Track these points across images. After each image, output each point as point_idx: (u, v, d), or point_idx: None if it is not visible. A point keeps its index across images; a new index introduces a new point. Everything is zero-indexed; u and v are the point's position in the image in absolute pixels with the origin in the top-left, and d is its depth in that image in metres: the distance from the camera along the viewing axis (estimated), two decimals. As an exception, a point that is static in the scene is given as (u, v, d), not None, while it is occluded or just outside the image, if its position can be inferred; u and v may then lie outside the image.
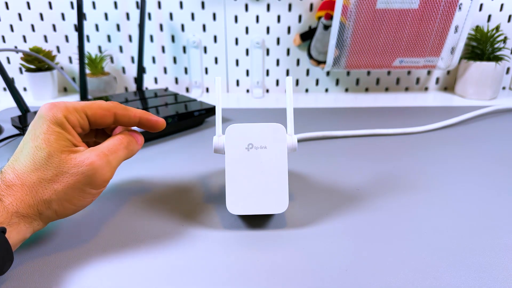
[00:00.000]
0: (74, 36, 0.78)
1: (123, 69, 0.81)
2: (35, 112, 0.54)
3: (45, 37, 0.78)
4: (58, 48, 0.79)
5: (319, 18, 0.73)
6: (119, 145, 0.31)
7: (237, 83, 0.82)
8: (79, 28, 0.61)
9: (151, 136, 0.53)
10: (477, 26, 0.75)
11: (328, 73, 0.81)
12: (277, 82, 0.82)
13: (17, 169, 0.27)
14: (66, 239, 0.31)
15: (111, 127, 0.35)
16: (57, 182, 0.27)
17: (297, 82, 0.82)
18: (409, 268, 0.27)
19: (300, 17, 0.76)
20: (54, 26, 0.77)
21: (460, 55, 0.72)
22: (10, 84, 0.52)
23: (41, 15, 0.76)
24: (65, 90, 0.82)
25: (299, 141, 0.52)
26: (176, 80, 0.82)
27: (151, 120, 0.34)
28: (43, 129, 0.28)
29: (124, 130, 0.33)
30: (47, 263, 0.28)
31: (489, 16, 0.77)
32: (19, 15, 0.76)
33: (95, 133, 0.35)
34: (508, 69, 0.82)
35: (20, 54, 0.75)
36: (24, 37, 0.78)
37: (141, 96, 0.64)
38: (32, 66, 0.74)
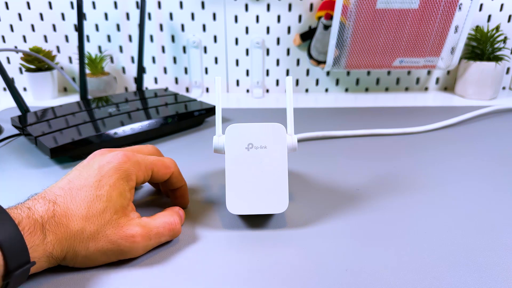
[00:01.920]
0: (74, 36, 0.78)
1: (123, 69, 0.81)
2: (35, 112, 0.54)
3: (45, 37, 0.78)
4: (58, 48, 0.79)
5: (319, 18, 0.73)
6: (167, 230, 0.30)
7: (237, 83, 0.82)
8: (79, 28, 0.61)
9: (151, 136, 0.53)
10: (477, 26, 0.75)
11: (328, 73, 0.81)
12: (277, 82, 0.82)
13: (70, 209, 0.26)
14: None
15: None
16: (94, 242, 0.26)
17: (297, 82, 0.82)
18: (409, 268, 0.27)
19: (300, 17, 0.76)
20: (54, 26, 0.77)
21: (460, 55, 0.72)
22: (10, 84, 0.52)
23: (41, 15, 0.76)
24: (65, 90, 0.82)
25: (299, 141, 0.52)
26: (176, 80, 0.82)
27: (185, 196, 0.35)
28: (111, 181, 0.28)
29: (178, 209, 0.32)
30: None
31: (489, 16, 0.77)
32: (19, 15, 0.76)
33: None
34: (508, 69, 0.82)
35: (20, 54, 0.75)
36: (24, 37, 0.78)
37: (141, 96, 0.64)
38: (32, 66, 0.74)
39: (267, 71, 0.81)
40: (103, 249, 0.27)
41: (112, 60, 0.80)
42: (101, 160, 0.29)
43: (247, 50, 0.79)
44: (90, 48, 0.78)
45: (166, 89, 0.72)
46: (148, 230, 0.28)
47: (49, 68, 0.75)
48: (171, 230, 0.30)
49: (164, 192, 0.38)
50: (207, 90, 0.83)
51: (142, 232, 0.28)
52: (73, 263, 0.27)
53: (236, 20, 0.76)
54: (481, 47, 0.74)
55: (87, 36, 0.78)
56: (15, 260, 0.22)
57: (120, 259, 0.28)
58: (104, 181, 0.28)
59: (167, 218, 0.30)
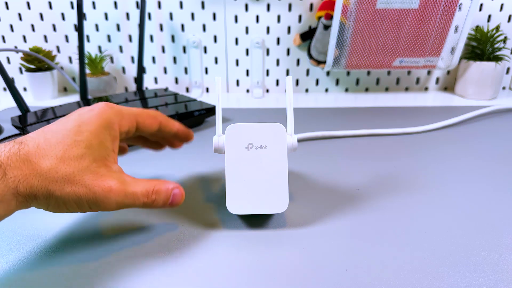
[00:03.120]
0: (74, 36, 0.78)
1: (123, 69, 0.81)
2: (35, 112, 0.54)
3: (45, 37, 0.78)
4: (58, 48, 0.79)
5: (319, 18, 0.73)
6: (144, 196, 0.28)
7: (237, 83, 0.82)
8: (79, 28, 0.61)
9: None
10: (477, 26, 0.75)
11: (328, 73, 0.81)
12: (277, 82, 0.82)
13: (42, 148, 0.26)
14: (61, 238, 0.31)
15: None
16: (70, 184, 0.26)
17: (297, 82, 0.82)
18: (409, 268, 0.27)
19: (300, 17, 0.76)
20: (54, 26, 0.77)
21: (460, 55, 0.72)
22: (10, 84, 0.52)
23: (41, 15, 0.76)
24: (65, 90, 0.82)
25: (299, 141, 0.52)
26: (176, 80, 0.82)
27: (185, 130, 0.36)
28: (91, 128, 0.27)
29: (162, 184, 0.30)
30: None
31: (489, 16, 0.77)
32: (19, 15, 0.76)
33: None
34: (508, 69, 0.82)
35: (20, 54, 0.75)
36: (24, 37, 0.78)
37: (141, 96, 0.64)
38: (32, 66, 0.74)
39: (267, 71, 0.81)
40: (78, 193, 0.26)
41: (112, 60, 0.80)
42: (82, 109, 0.29)
43: (247, 50, 0.79)
44: (90, 48, 0.78)
45: (166, 89, 0.72)
46: (125, 187, 0.27)
47: (49, 68, 0.75)
48: (150, 198, 0.28)
49: (165, 145, 0.38)
50: (207, 90, 0.83)
51: (119, 187, 0.27)
52: (46, 205, 0.26)
53: (236, 20, 0.76)
54: (481, 47, 0.74)
55: (87, 36, 0.78)
56: None
57: (92, 211, 0.27)
58: (84, 127, 0.27)
59: (150, 185, 0.29)
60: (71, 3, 0.75)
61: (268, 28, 0.77)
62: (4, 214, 0.24)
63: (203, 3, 0.75)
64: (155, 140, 0.37)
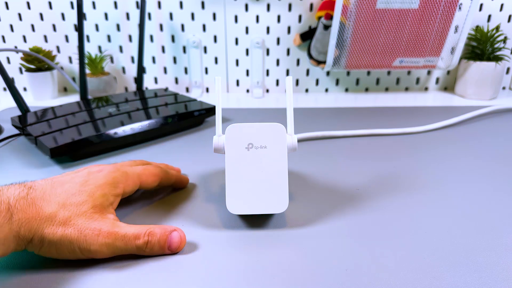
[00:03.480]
0: (74, 36, 0.78)
1: (123, 69, 0.81)
2: (35, 112, 0.54)
3: (45, 37, 0.78)
4: (58, 48, 0.79)
5: (319, 18, 0.73)
6: (135, 239, 0.28)
7: (237, 83, 0.82)
8: (79, 28, 0.61)
9: (151, 136, 0.53)
10: (477, 26, 0.75)
11: (328, 73, 0.81)
12: (277, 82, 0.82)
13: (47, 194, 0.27)
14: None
15: None
16: (63, 227, 0.26)
17: (297, 82, 0.82)
18: (409, 268, 0.27)
19: (300, 17, 0.76)
20: (54, 26, 0.77)
21: (460, 55, 0.72)
22: (10, 84, 0.52)
23: (41, 15, 0.76)
24: (65, 90, 0.82)
25: (299, 141, 0.52)
26: (176, 80, 0.82)
27: (181, 180, 0.39)
28: (97, 183, 0.30)
29: (158, 229, 0.29)
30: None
31: (489, 16, 0.77)
32: (19, 15, 0.76)
33: None
34: (508, 69, 0.82)
35: (20, 54, 0.75)
36: (24, 37, 0.78)
37: (141, 96, 0.64)
38: (32, 66, 0.73)
39: (267, 71, 0.81)
40: (70, 237, 0.26)
41: (112, 60, 0.80)
42: (91, 167, 0.32)
43: (247, 50, 0.79)
44: (90, 48, 0.78)
45: (166, 89, 0.72)
46: (116, 230, 0.27)
47: (49, 68, 0.75)
48: (141, 238, 0.28)
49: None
50: (207, 90, 0.83)
51: (109, 229, 0.27)
52: (39, 248, 0.26)
53: (236, 20, 0.76)
54: (481, 47, 0.74)
55: (87, 36, 0.78)
56: None
57: (84, 257, 0.27)
58: (91, 181, 0.30)
59: (144, 227, 0.29)
60: (71, 3, 0.75)
61: (268, 28, 0.77)
62: (1, 255, 0.25)
63: (203, 3, 0.75)
64: None
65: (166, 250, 0.29)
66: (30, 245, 0.26)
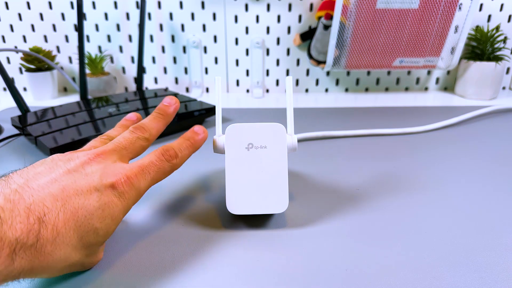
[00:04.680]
0: (74, 36, 0.78)
1: (123, 69, 0.81)
2: (35, 112, 0.54)
3: (45, 37, 0.78)
4: (58, 48, 0.79)
5: (319, 18, 0.73)
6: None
7: (237, 83, 0.82)
8: (79, 28, 0.61)
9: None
10: (477, 26, 0.75)
11: (328, 73, 0.81)
12: (277, 82, 0.82)
13: (61, 234, 0.22)
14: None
15: None
16: (68, 266, 0.24)
17: (297, 82, 0.82)
18: (409, 268, 0.27)
19: (300, 17, 0.76)
20: (54, 26, 0.77)
21: (460, 55, 0.72)
22: (10, 84, 0.52)
23: (41, 15, 0.76)
24: (65, 90, 0.82)
25: (299, 141, 0.52)
26: (176, 80, 0.82)
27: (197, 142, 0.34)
28: (113, 213, 0.25)
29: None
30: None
31: (489, 16, 0.77)
32: (19, 15, 0.76)
33: None
34: (508, 69, 0.82)
35: (20, 54, 0.75)
36: (24, 37, 0.78)
37: (141, 96, 0.64)
38: (32, 66, 0.74)
39: (267, 71, 0.81)
40: (70, 270, 0.25)
41: (112, 60, 0.80)
42: (103, 174, 0.25)
43: (247, 50, 0.79)
44: (90, 48, 0.78)
45: (166, 89, 0.72)
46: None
47: (49, 68, 0.75)
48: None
49: None
50: (207, 90, 0.83)
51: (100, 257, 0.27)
52: (32, 278, 0.24)
53: (236, 20, 0.76)
54: (481, 47, 0.74)
55: (87, 36, 0.78)
56: None
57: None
58: (107, 211, 0.24)
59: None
60: (71, 3, 0.75)
61: (268, 28, 0.77)
62: None
63: (203, 3, 0.75)
64: None
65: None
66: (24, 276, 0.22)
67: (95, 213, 0.24)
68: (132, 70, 0.81)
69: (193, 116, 0.57)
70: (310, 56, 0.76)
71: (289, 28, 0.77)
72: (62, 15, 0.76)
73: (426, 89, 0.83)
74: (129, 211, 0.27)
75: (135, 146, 0.30)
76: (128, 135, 0.30)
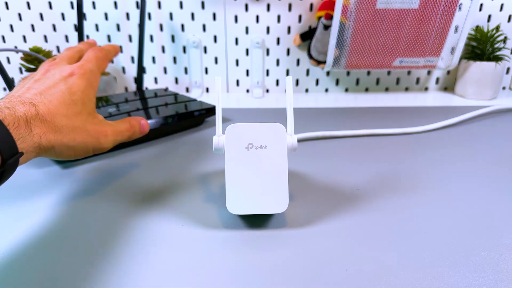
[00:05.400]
0: (74, 36, 0.78)
1: (123, 69, 0.81)
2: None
3: (45, 37, 0.78)
4: (58, 48, 0.79)
5: (319, 18, 0.73)
6: (127, 131, 0.38)
7: (237, 83, 0.82)
8: (79, 28, 0.61)
9: (151, 136, 0.53)
10: (477, 26, 0.75)
11: (328, 73, 0.81)
12: (277, 82, 0.82)
13: (51, 108, 0.31)
14: (63, 239, 0.31)
15: None
16: (78, 135, 0.32)
17: (297, 82, 0.82)
18: (409, 268, 0.27)
19: (300, 17, 0.76)
20: (54, 26, 0.77)
21: (460, 55, 0.72)
22: (10, 84, 0.52)
23: (41, 15, 0.76)
24: (65, 90, 0.82)
25: (299, 141, 0.52)
26: (176, 80, 0.82)
27: (116, 48, 0.44)
28: (80, 88, 0.34)
29: (134, 120, 0.40)
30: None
31: (489, 16, 0.77)
32: (19, 15, 0.76)
33: None
34: (508, 69, 0.82)
35: (20, 54, 0.75)
36: (24, 37, 0.78)
37: (141, 96, 0.64)
38: (32, 66, 0.73)
39: (267, 71, 0.81)
40: (86, 141, 0.33)
41: (112, 60, 0.80)
42: (61, 71, 0.35)
43: (247, 50, 0.79)
44: (90, 48, 0.78)
45: (166, 89, 0.72)
46: (115, 129, 0.37)
47: (49, 68, 0.74)
48: (131, 131, 0.39)
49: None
50: (207, 90, 0.83)
51: (112, 130, 0.36)
52: (60, 154, 0.32)
53: (236, 20, 0.76)
54: (481, 47, 0.74)
55: (87, 36, 0.78)
56: (6, 152, 0.26)
57: (97, 152, 0.35)
58: (75, 88, 0.34)
59: (127, 121, 0.39)
60: (71, 3, 0.75)
61: (268, 28, 0.77)
62: (23, 162, 0.29)
63: (203, 3, 0.75)
64: None
65: (141, 134, 0.41)
66: (51, 153, 0.31)
67: (66, 92, 0.33)
68: (132, 70, 0.81)
69: (193, 116, 0.57)
70: (310, 56, 0.76)
71: (289, 28, 0.77)
72: (62, 15, 0.76)
73: (426, 89, 0.83)
74: (95, 89, 0.37)
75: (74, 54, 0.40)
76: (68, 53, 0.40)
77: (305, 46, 0.78)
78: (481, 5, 0.76)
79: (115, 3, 0.75)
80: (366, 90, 0.83)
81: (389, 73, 0.81)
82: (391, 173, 0.42)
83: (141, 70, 0.70)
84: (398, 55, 0.72)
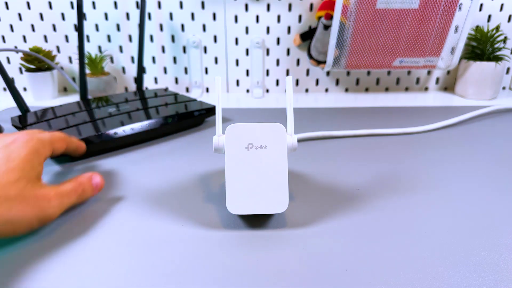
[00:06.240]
0: (74, 36, 0.78)
1: (123, 69, 0.81)
2: (35, 112, 0.54)
3: (45, 37, 0.78)
4: (58, 48, 0.79)
5: (319, 18, 0.73)
6: (75, 192, 0.33)
7: (237, 83, 0.82)
8: (79, 28, 0.61)
9: (151, 136, 0.53)
10: (477, 26, 0.75)
11: (328, 73, 0.81)
12: (277, 82, 0.82)
13: None
14: (63, 238, 0.31)
15: None
16: (13, 204, 0.28)
17: (297, 82, 0.82)
18: (409, 268, 0.27)
19: (300, 17, 0.76)
20: (54, 26, 0.77)
21: (460, 55, 0.72)
22: (10, 84, 0.52)
23: (41, 15, 0.76)
24: (65, 90, 0.82)
25: (299, 141, 0.52)
26: (176, 80, 0.82)
27: (81, 145, 0.43)
28: (20, 155, 0.30)
29: (82, 177, 0.35)
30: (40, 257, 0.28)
31: (489, 16, 0.77)
32: (19, 15, 0.76)
33: None
34: (508, 69, 0.82)
35: (20, 54, 0.75)
36: (24, 37, 0.78)
37: (141, 96, 0.64)
38: (32, 66, 0.74)
39: (267, 71, 0.81)
40: (24, 211, 0.28)
41: (112, 60, 0.80)
42: (4, 140, 0.32)
43: (247, 50, 0.79)
44: (90, 48, 0.78)
45: (166, 89, 0.72)
46: (60, 191, 0.32)
47: (49, 68, 0.75)
48: (78, 191, 0.34)
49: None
50: (207, 90, 0.83)
51: (55, 192, 0.31)
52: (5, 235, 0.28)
53: (236, 20, 0.76)
54: (481, 47, 0.74)
55: (87, 36, 0.78)
56: None
57: (42, 223, 0.30)
58: (14, 155, 0.30)
59: (74, 181, 0.34)
60: (71, 3, 0.75)
61: (268, 28, 0.77)
62: None
63: (203, 3, 0.75)
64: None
65: (96, 191, 0.36)
66: None
67: (4, 159, 0.29)
68: (132, 70, 0.81)
69: (193, 116, 0.57)
70: (310, 56, 0.76)
71: (289, 28, 0.77)
72: (62, 15, 0.76)
73: (426, 89, 0.83)
74: (42, 156, 0.33)
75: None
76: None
77: (305, 46, 0.78)
78: (481, 5, 0.76)
79: (115, 3, 0.75)
80: (366, 90, 0.83)
81: (389, 73, 0.81)
82: (391, 173, 0.42)
83: (141, 70, 0.70)
84: (398, 55, 0.72)
